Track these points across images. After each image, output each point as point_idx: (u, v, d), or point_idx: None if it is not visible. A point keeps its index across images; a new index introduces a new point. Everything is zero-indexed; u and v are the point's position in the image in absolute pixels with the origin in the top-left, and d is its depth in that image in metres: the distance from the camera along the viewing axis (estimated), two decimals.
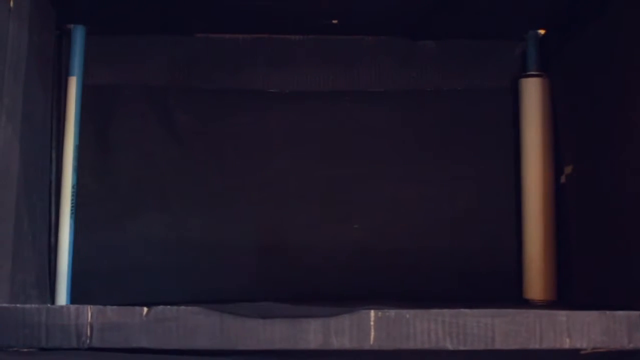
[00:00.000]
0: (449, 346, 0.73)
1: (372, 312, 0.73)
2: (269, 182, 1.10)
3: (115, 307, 0.72)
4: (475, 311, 0.74)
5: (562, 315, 0.74)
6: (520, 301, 1.07)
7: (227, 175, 1.10)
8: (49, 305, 0.74)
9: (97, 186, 1.09)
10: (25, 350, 0.71)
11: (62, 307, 0.73)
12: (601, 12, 0.94)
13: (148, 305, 0.72)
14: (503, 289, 1.09)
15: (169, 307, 0.72)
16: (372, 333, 0.73)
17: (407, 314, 0.73)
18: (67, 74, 1.06)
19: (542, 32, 1.11)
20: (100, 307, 0.71)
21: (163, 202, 1.09)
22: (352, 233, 1.10)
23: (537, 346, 0.73)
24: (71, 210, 1.04)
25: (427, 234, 1.10)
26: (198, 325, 0.72)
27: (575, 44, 1.03)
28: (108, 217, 1.08)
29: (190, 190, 1.10)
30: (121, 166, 1.10)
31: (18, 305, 0.72)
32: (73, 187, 1.05)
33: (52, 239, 1.03)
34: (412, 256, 1.09)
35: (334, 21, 1.07)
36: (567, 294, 1.04)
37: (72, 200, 1.04)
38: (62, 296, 1.02)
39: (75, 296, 1.04)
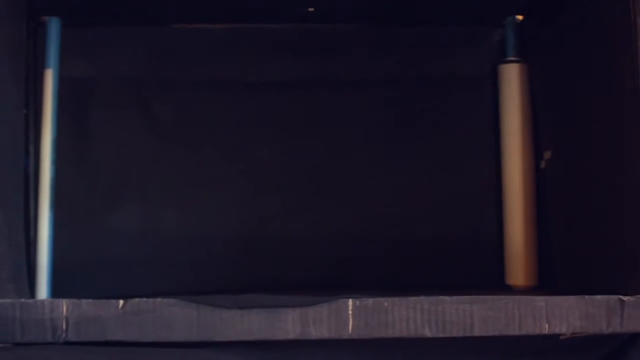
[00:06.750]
0: (428, 333, 0.73)
1: (350, 301, 0.72)
2: (248, 172, 1.10)
3: (90, 300, 0.71)
4: (454, 298, 0.73)
5: (540, 300, 0.73)
6: (502, 287, 1.07)
7: (205, 166, 1.09)
8: (22, 299, 0.73)
9: (75, 179, 1.08)
10: None
11: (36, 301, 0.72)
12: None
13: (125, 297, 0.72)
14: (485, 276, 1.09)
15: (144, 299, 0.71)
16: (351, 322, 0.72)
17: (386, 302, 0.72)
18: (43, 66, 1.05)
19: (520, 18, 1.11)
20: (76, 300, 0.71)
21: (142, 194, 1.09)
22: (332, 222, 1.09)
23: (516, 332, 0.73)
24: (50, 203, 1.03)
25: (408, 222, 1.10)
26: (174, 317, 0.71)
27: (553, 29, 1.03)
28: (87, 209, 1.08)
29: (169, 182, 1.09)
30: (99, 159, 1.09)
31: None
32: (51, 180, 1.04)
33: (32, 233, 1.03)
34: (394, 244, 1.09)
35: (311, 9, 1.06)
36: (549, 279, 1.04)
37: (50, 193, 1.04)
38: (43, 290, 1.02)
39: (57, 290, 1.03)
